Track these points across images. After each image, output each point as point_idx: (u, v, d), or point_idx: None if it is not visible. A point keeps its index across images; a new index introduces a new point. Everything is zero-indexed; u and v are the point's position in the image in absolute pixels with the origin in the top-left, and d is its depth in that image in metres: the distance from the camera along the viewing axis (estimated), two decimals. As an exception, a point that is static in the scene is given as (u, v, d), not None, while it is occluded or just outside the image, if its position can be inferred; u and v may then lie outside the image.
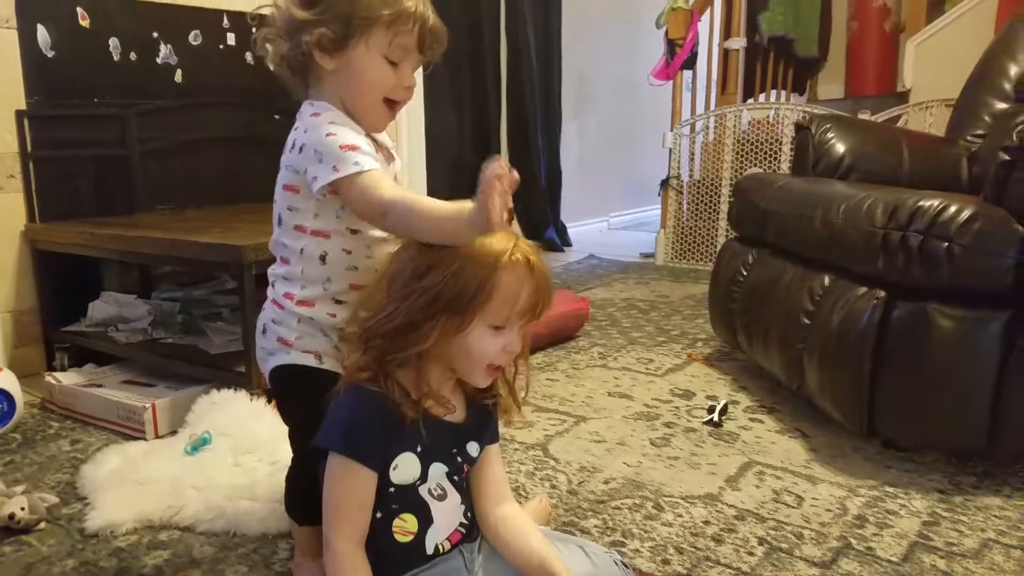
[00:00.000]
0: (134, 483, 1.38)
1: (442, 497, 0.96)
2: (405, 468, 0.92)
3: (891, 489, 1.43)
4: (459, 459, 0.97)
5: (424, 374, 0.93)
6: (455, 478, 0.98)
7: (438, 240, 0.89)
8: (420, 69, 1.07)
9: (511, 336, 0.92)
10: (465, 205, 0.84)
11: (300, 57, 1.00)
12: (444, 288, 0.87)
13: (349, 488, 0.90)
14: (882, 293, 1.47)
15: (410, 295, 0.88)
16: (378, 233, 1.00)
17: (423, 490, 0.94)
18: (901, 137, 2.18)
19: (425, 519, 0.94)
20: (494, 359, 0.92)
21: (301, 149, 0.97)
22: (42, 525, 1.31)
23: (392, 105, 1.03)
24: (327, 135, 0.95)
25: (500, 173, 0.79)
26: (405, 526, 0.94)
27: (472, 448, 0.99)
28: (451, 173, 3.74)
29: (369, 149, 0.96)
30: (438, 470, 0.96)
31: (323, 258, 1.00)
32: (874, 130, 2.35)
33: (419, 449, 0.93)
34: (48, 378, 1.92)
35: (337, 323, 1.01)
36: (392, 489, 0.92)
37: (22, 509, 1.28)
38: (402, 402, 0.90)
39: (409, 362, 0.91)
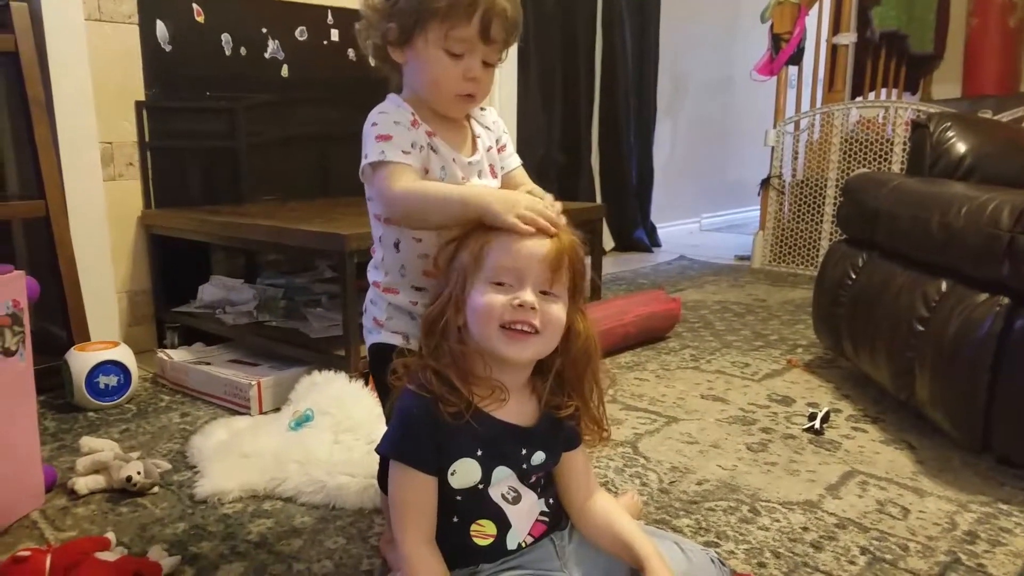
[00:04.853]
0: (240, 455, 1.44)
1: (516, 500, 0.95)
2: (464, 474, 0.90)
3: (1005, 506, 1.35)
4: (524, 466, 0.94)
5: (468, 361, 0.91)
6: (528, 480, 0.96)
7: (441, 227, 0.94)
8: (505, 56, 1.02)
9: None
10: (475, 192, 0.92)
11: (382, 51, 1.02)
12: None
13: (409, 492, 0.90)
14: (1005, 300, 1.39)
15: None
16: None
17: (495, 494, 0.93)
18: (1028, 137, 2.05)
19: (503, 524, 0.94)
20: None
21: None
22: (155, 489, 1.38)
23: (467, 97, 1.01)
24: (371, 124, 0.98)
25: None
26: (483, 530, 0.93)
27: (537, 458, 0.95)
28: (537, 173, 3.72)
29: (403, 143, 0.96)
30: (504, 474, 0.93)
31: (396, 246, 1.02)
32: (998, 130, 2.21)
33: (479, 453, 0.90)
34: (160, 354, 2.03)
35: (419, 310, 1.02)
36: (459, 497, 0.91)
37: (138, 473, 1.36)
38: (447, 397, 0.87)
39: (453, 351, 0.90)
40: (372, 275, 1.08)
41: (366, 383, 1.63)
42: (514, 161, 1.13)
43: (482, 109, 1.11)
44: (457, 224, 0.93)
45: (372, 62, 1.07)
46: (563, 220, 0.92)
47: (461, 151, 1.04)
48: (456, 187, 0.97)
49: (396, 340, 1.03)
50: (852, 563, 1.17)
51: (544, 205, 0.90)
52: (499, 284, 0.88)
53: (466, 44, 0.96)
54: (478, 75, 0.98)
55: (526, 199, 0.89)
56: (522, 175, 1.13)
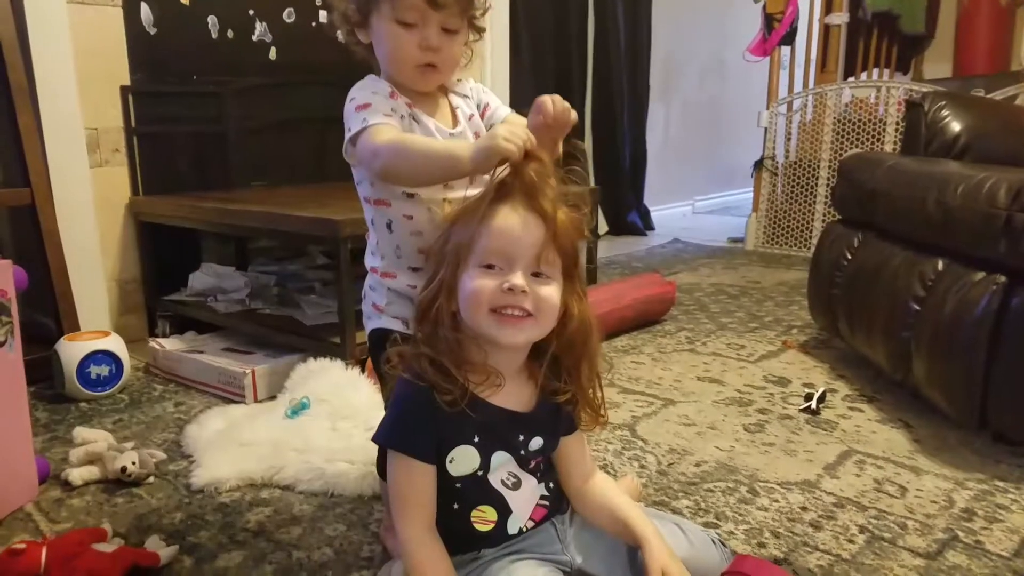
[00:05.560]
0: (237, 443, 1.43)
1: (516, 485, 0.94)
2: (462, 461, 0.90)
3: (1001, 483, 1.36)
4: (522, 452, 0.94)
5: (462, 348, 0.89)
6: (527, 466, 0.96)
7: (429, 179, 0.94)
8: (480, 21, 1.01)
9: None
10: (460, 142, 0.92)
11: (352, 36, 1.02)
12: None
13: (407, 480, 0.89)
14: (1002, 278, 1.39)
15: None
16: (437, 194, 0.98)
17: (495, 480, 0.93)
18: (1023, 116, 2.04)
19: (503, 509, 0.93)
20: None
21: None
22: (151, 479, 1.37)
23: (428, 67, 0.98)
24: (349, 101, 0.97)
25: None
26: (484, 516, 0.93)
27: (536, 443, 0.95)
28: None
29: (384, 108, 0.95)
30: (503, 459, 0.93)
31: (389, 226, 1.01)
32: (992, 108, 2.21)
33: (476, 440, 0.90)
34: (152, 344, 2.01)
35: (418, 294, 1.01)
36: (459, 484, 0.90)
37: (133, 463, 1.34)
38: (442, 384, 0.86)
39: (448, 339, 0.88)
40: (369, 261, 1.06)
41: (363, 370, 1.61)
42: (503, 111, 1.09)
43: (458, 80, 1.09)
44: (444, 178, 0.92)
45: (352, 47, 1.06)
46: (573, 115, 0.92)
47: (442, 124, 1.03)
48: (441, 140, 0.98)
49: (396, 325, 1.02)
50: (851, 541, 1.17)
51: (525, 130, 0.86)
52: (489, 267, 0.86)
53: (416, 12, 0.94)
54: (435, 43, 0.96)
55: (502, 127, 0.86)
56: (516, 117, 1.08)
